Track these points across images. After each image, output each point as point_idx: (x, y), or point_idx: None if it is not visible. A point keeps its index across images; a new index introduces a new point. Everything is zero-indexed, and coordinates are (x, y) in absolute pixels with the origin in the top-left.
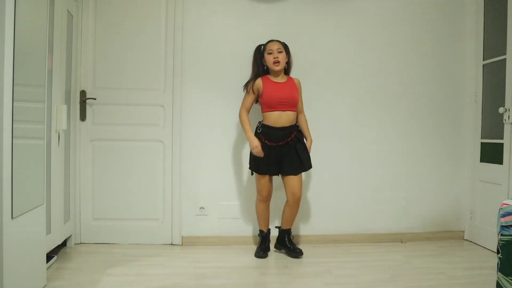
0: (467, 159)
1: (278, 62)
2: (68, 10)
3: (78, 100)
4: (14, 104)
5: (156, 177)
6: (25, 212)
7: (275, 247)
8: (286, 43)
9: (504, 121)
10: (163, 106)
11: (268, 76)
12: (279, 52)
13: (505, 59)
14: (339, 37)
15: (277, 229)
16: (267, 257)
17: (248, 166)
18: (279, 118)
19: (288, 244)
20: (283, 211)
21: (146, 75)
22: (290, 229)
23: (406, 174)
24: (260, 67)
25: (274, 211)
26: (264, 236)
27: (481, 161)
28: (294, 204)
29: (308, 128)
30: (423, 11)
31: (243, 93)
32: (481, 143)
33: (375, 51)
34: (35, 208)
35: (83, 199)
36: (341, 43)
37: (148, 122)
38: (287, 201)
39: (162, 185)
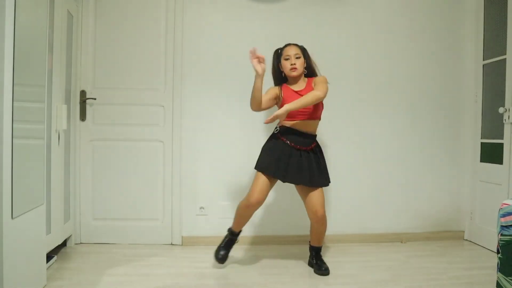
0: (467, 159)
1: (296, 68)
2: (68, 10)
3: (78, 100)
4: (14, 104)
5: (156, 177)
6: (25, 212)
7: (308, 264)
8: (304, 46)
9: (504, 121)
10: (163, 106)
11: (287, 84)
12: (296, 58)
13: (505, 59)
14: (338, 37)
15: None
16: (269, 258)
17: (255, 165)
18: (300, 126)
19: (315, 261)
20: (310, 225)
21: (146, 75)
22: (319, 247)
23: (406, 174)
24: (278, 74)
25: (281, 214)
26: (231, 237)
27: (481, 161)
28: (317, 224)
29: (298, 101)
30: (423, 11)
31: (242, 93)
32: (481, 143)
33: (375, 51)
34: (35, 208)
35: (83, 199)
36: (340, 43)
37: (148, 122)
38: (310, 220)
39: (162, 185)
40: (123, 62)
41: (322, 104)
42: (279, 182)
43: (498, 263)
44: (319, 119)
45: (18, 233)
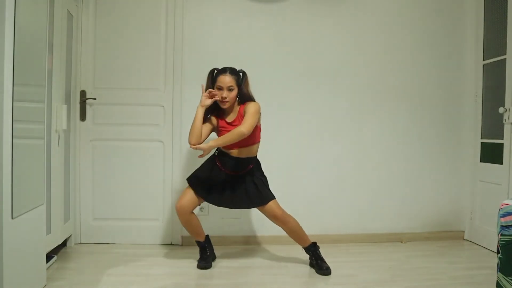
0: (467, 159)
1: (227, 102)
2: (68, 10)
3: (78, 100)
4: (14, 104)
5: (156, 177)
6: (25, 212)
7: (310, 265)
8: (243, 70)
9: (504, 121)
10: (163, 106)
11: (222, 113)
12: (229, 90)
13: (505, 59)
14: (338, 37)
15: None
16: (269, 258)
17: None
18: (235, 153)
19: (315, 261)
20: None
21: (146, 75)
22: (308, 246)
23: (406, 174)
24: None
25: None
26: (201, 246)
27: (481, 161)
28: (283, 225)
29: (222, 139)
30: (423, 11)
31: None
32: (481, 143)
33: (375, 51)
34: (35, 208)
35: (83, 199)
36: (340, 43)
37: (148, 122)
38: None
39: (162, 185)
40: (123, 62)
41: (259, 127)
42: None
43: (498, 263)
44: (257, 142)
45: (18, 233)
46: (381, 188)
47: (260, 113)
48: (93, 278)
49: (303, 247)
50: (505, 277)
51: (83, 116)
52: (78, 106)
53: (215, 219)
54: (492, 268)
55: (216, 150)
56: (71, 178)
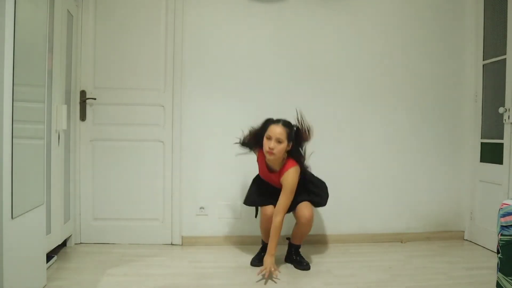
0: (467, 159)
1: (272, 153)
2: (68, 10)
3: (78, 100)
4: (14, 104)
5: (156, 177)
6: (25, 212)
7: (285, 260)
8: (298, 126)
9: (504, 121)
10: (163, 106)
11: (264, 157)
12: (278, 142)
13: (505, 59)
14: (338, 37)
15: (288, 241)
16: (254, 264)
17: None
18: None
19: (295, 257)
20: (294, 226)
21: (146, 75)
22: (299, 245)
23: (406, 174)
24: (257, 142)
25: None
26: (263, 246)
27: (481, 161)
28: (305, 226)
29: (274, 241)
30: (423, 11)
31: (242, 92)
32: (481, 143)
33: (375, 51)
34: (35, 208)
35: (83, 199)
36: (340, 44)
37: (148, 122)
38: (297, 221)
39: (162, 185)
40: (123, 62)
41: (288, 191)
42: None
43: (498, 263)
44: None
45: (18, 233)
46: (381, 188)
47: (297, 181)
48: (93, 278)
49: (292, 242)
50: (505, 277)
51: (83, 116)
52: (78, 106)
53: (215, 219)
54: (492, 268)
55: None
56: (71, 178)
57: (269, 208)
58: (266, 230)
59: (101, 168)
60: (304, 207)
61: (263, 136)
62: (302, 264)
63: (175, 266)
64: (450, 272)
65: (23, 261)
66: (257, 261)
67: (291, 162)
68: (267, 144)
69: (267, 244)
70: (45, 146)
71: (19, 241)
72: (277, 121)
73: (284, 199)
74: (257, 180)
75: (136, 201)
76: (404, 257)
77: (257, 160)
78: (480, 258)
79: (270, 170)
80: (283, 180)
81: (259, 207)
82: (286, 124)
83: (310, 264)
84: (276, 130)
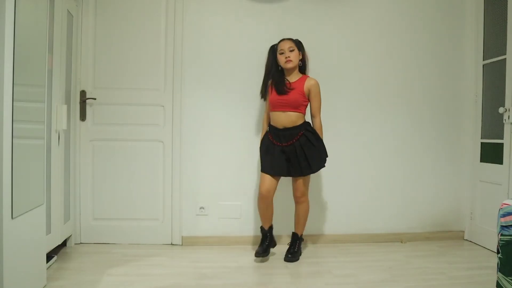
0: (467, 159)
1: (290, 60)
2: (68, 10)
3: (78, 100)
4: (14, 104)
5: (156, 177)
6: (25, 212)
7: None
8: (299, 39)
9: (504, 121)
10: (163, 106)
11: (284, 75)
12: (290, 51)
13: (505, 59)
14: (338, 36)
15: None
16: (267, 257)
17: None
18: (280, 118)
19: (294, 249)
20: (295, 210)
21: (146, 75)
22: (298, 234)
23: (406, 174)
24: (273, 67)
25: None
26: (264, 234)
27: (481, 161)
28: (297, 204)
29: (320, 135)
30: (423, 11)
31: (242, 93)
32: (481, 143)
33: (375, 51)
34: (35, 208)
35: (83, 199)
36: (340, 43)
37: (148, 122)
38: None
39: (162, 185)
40: (123, 62)
41: (306, 100)
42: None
43: (498, 263)
44: (303, 113)
45: (18, 233)
46: (381, 188)
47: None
48: (93, 278)
49: (296, 232)
50: (505, 277)
51: (83, 116)
52: (78, 106)
53: (215, 219)
54: (492, 268)
55: (268, 127)
56: (71, 178)
57: (265, 183)
58: (263, 211)
59: (101, 168)
60: (299, 183)
61: (275, 63)
62: (295, 257)
63: (175, 266)
64: (450, 272)
65: (23, 261)
66: (262, 252)
67: (306, 76)
68: (282, 57)
69: (267, 231)
70: (45, 146)
71: (19, 241)
72: (283, 39)
73: (316, 102)
74: (262, 146)
75: (136, 201)
76: (404, 257)
77: (269, 97)
78: (480, 258)
79: (283, 91)
80: (310, 86)
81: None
82: (291, 38)
83: (300, 258)
84: (286, 43)
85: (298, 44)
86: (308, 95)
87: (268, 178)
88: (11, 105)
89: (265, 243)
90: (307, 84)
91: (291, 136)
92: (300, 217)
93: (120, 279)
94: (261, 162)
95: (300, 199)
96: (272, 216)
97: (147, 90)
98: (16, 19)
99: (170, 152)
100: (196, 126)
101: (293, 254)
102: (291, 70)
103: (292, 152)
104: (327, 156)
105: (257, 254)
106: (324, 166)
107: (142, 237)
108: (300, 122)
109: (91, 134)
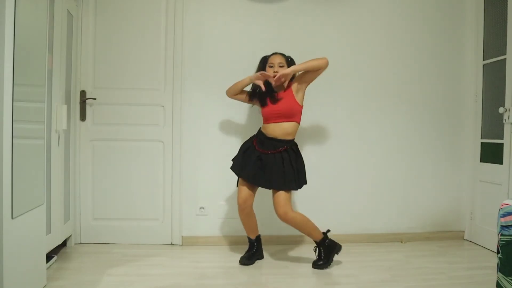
0: (467, 159)
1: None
2: (68, 10)
3: (78, 100)
4: (14, 104)
5: (156, 177)
6: (25, 212)
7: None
8: (291, 57)
9: (504, 121)
10: (163, 106)
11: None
12: (280, 67)
13: (505, 59)
14: (338, 37)
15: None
16: (254, 264)
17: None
18: (273, 130)
19: (319, 255)
20: None
21: (146, 75)
22: (317, 241)
23: (406, 174)
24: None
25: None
26: (251, 242)
27: (481, 161)
28: (285, 222)
29: (305, 63)
30: (423, 11)
31: None
32: (481, 143)
33: (375, 51)
34: (35, 208)
35: (83, 199)
36: (340, 44)
37: (148, 122)
38: None
39: (162, 185)
40: (123, 62)
41: (299, 105)
42: None
43: (498, 263)
44: (297, 123)
45: (18, 233)
46: (381, 188)
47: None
48: (93, 278)
49: (314, 240)
50: (505, 277)
51: (83, 116)
52: (78, 106)
53: (215, 219)
54: (492, 268)
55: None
56: (71, 178)
57: (242, 193)
58: (244, 221)
59: (101, 168)
60: (277, 201)
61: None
62: (316, 262)
63: (175, 266)
64: (450, 272)
65: (23, 261)
66: (246, 259)
67: (292, 83)
68: (271, 70)
69: (253, 240)
70: (45, 146)
71: (19, 241)
72: (275, 53)
73: (304, 74)
74: (243, 146)
75: (136, 201)
76: (404, 257)
77: (261, 111)
78: (480, 258)
79: (275, 99)
80: (294, 81)
81: (237, 188)
82: (282, 54)
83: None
84: (276, 58)
85: (290, 62)
86: (298, 90)
87: (244, 188)
88: (11, 105)
89: (251, 251)
90: (293, 85)
91: (274, 147)
92: (303, 230)
93: (120, 279)
94: (234, 160)
95: (286, 216)
96: (256, 226)
97: (147, 90)
98: (16, 19)
99: (170, 152)
100: (196, 126)
101: (315, 263)
102: (278, 86)
103: (269, 162)
104: (305, 183)
105: (241, 262)
106: (294, 188)
107: (142, 237)
108: (291, 137)
109: (91, 134)
